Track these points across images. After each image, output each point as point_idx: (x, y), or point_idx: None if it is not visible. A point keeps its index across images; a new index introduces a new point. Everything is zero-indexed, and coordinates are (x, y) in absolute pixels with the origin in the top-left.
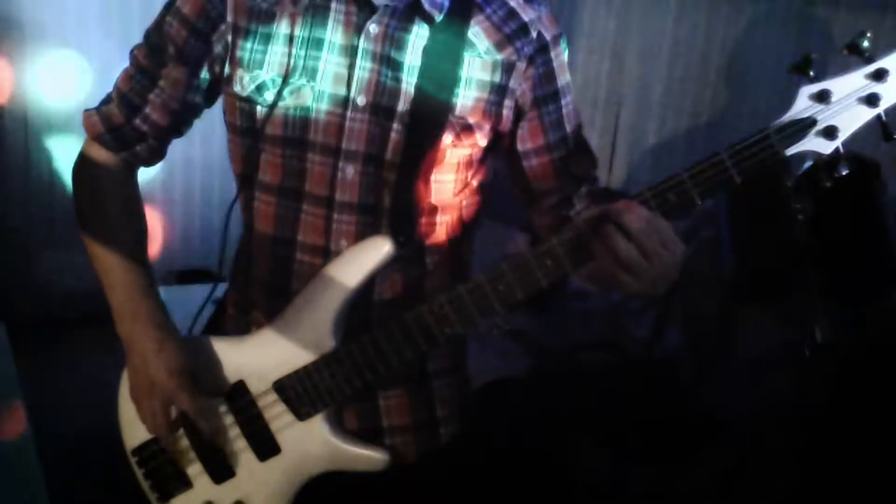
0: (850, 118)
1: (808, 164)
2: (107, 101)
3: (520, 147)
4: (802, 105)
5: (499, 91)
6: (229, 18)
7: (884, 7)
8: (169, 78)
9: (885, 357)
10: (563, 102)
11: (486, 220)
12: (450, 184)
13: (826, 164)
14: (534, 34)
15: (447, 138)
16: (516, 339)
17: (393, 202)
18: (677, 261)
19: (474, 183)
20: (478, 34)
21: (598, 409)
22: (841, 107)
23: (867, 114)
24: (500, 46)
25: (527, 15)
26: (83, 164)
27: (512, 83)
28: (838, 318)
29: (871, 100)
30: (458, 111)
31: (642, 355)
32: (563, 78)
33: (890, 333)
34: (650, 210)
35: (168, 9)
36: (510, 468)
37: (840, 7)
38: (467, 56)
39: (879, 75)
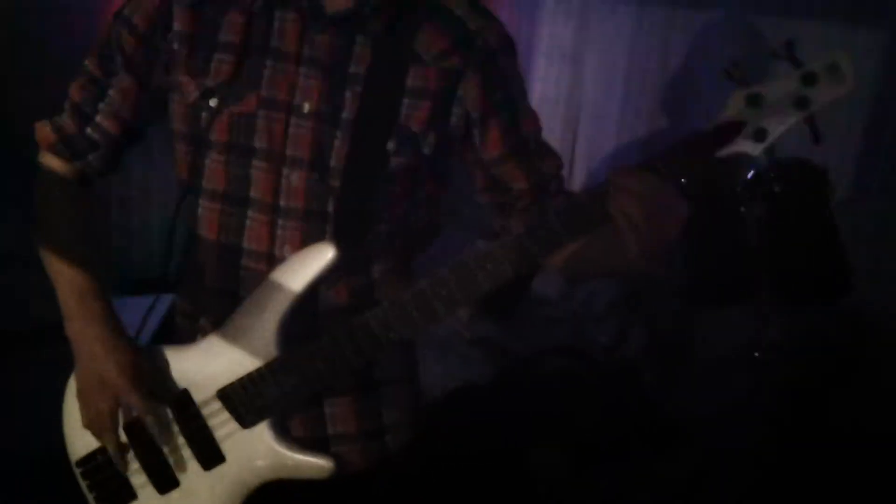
0: (780, 121)
1: (754, 169)
2: (60, 111)
3: (484, 156)
4: (734, 108)
5: (444, 100)
6: (176, 27)
7: (826, 15)
8: (118, 87)
9: (835, 358)
10: (518, 108)
11: (448, 229)
12: (395, 192)
13: (775, 168)
14: (480, 42)
15: (391, 146)
16: (479, 346)
17: (337, 209)
18: (680, 224)
19: (423, 193)
20: (422, 43)
21: (562, 414)
22: (771, 110)
23: (797, 116)
24: (445, 55)
25: (473, 24)
26: (40, 174)
27: (459, 92)
28: (790, 320)
29: (801, 103)
30: (402, 120)
31: (605, 361)
32: (516, 84)
33: (840, 335)
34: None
35: (116, 18)
36: (474, 475)
37: (790, 17)
38: (412, 65)
39: (809, 79)
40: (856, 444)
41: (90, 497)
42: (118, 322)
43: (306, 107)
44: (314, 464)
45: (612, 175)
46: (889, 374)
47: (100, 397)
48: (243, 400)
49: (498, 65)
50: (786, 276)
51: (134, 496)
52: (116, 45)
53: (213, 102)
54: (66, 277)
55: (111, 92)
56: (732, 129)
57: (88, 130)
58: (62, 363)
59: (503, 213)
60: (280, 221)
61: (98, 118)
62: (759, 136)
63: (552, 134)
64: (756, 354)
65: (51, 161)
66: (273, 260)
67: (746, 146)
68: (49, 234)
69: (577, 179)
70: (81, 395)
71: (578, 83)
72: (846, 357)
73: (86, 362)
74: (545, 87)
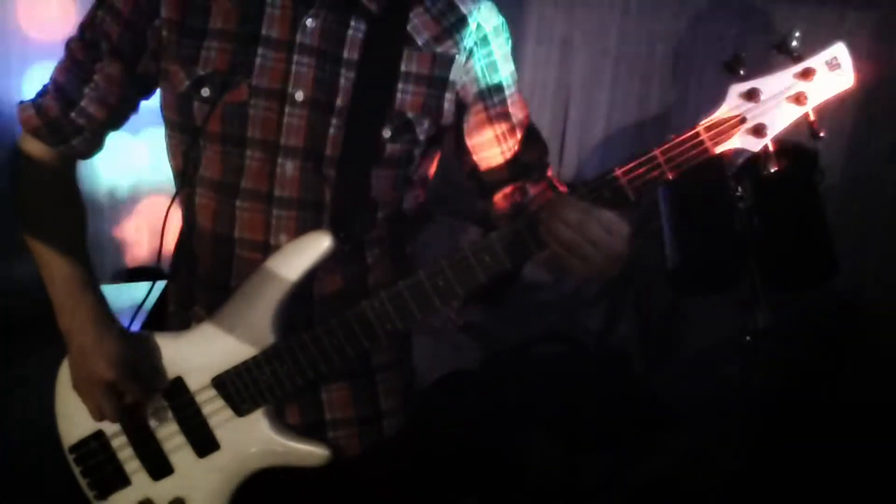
0: (779, 116)
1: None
2: (42, 93)
3: (468, 141)
4: (732, 103)
5: (438, 85)
6: (164, 14)
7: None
8: (104, 73)
9: (825, 342)
10: (507, 93)
11: (439, 215)
12: (390, 179)
13: (765, 155)
14: (472, 26)
15: (386, 133)
16: (470, 332)
17: (333, 197)
18: (625, 246)
19: (416, 178)
20: (416, 28)
21: (551, 400)
22: (770, 105)
23: (795, 112)
24: (438, 40)
25: (465, 8)
26: (20, 158)
27: (452, 76)
28: (780, 305)
29: (799, 98)
30: (396, 105)
31: (594, 347)
32: (507, 69)
33: (829, 319)
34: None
35: (101, 3)
36: (464, 461)
37: (782, 1)
38: (406, 50)
39: (807, 74)
40: (848, 428)
41: (83, 483)
42: (108, 312)
43: (300, 95)
44: (310, 451)
45: (543, 207)
46: (877, 356)
47: (93, 391)
48: (238, 387)
49: (490, 49)
50: (773, 260)
51: (127, 482)
52: (101, 31)
53: (205, 92)
54: (54, 267)
55: (97, 77)
56: (732, 124)
57: (73, 115)
58: (59, 350)
59: (485, 197)
60: (275, 211)
61: (83, 103)
62: (759, 132)
63: (541, 119)
64: (747, 339)
65: (32, 145)
66: (268, 249)
67: (746, 142)
68: (33, 221)
69: (566, 165)
70: (78, 390)
71: (568, 67)
72: (836, 341)
73: (76, 356)
74: (534, 71)
